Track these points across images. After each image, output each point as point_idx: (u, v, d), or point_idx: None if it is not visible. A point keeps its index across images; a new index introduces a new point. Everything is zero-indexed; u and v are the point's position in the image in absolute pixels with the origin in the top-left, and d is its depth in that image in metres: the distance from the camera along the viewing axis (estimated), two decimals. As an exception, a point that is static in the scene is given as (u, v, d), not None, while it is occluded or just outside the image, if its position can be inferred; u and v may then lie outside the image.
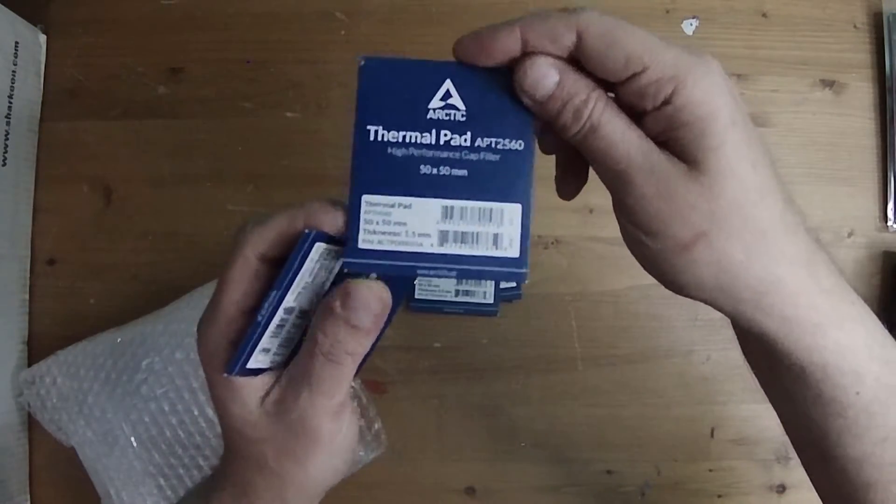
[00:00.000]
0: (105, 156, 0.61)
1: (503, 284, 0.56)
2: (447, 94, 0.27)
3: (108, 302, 0.60)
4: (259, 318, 0.27)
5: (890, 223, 0.59)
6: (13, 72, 0.57)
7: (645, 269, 0.28)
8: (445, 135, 0.27)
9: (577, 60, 0.26)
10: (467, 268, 0.27)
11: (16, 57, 0.58)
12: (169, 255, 0.60)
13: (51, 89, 0.62)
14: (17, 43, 0.58)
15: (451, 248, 0.27)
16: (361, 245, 0.27)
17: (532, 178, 0.27)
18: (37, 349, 0.59)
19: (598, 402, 0.58)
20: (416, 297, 0.56)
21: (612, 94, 0.26)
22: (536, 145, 0.28)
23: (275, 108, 0.61)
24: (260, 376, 0.29)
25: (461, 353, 0.58)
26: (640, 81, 0.24)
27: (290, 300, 0.28)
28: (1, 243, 0.57)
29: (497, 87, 0.27)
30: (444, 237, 0.27)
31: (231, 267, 0.28)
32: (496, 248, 0.27)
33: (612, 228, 0.60)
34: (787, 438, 0.33)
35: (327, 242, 0.27)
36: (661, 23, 0.61)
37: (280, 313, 0.28)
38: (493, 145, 0.27)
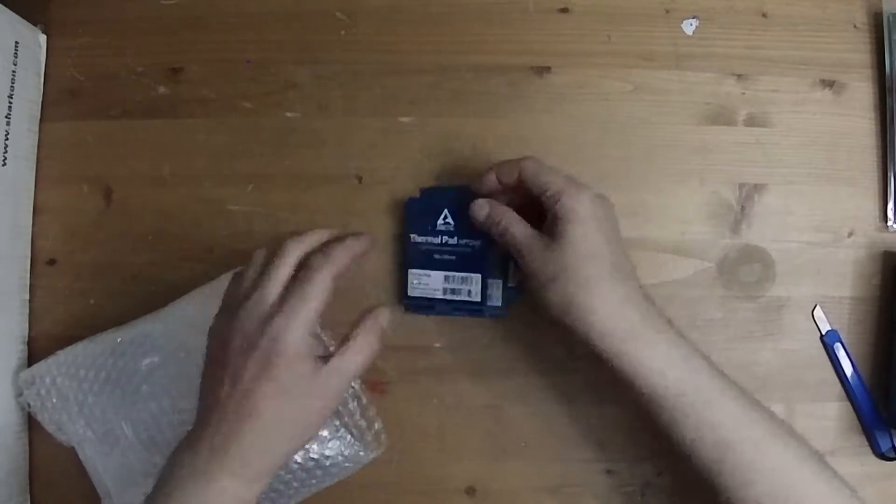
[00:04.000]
0: (105, 156, 0.61)
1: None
2: (445, 217, 0.55)
3: (108, 302, 0.60)
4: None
5: (890, 223, 0.59)
6: (13, 72, 0.57)
7: (533, 296, 0.47)
8: (444, 238, 0.55)
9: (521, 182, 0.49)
10: (459, 305, 0.56)
11: (16, 57, 0.58)
12: (169, 255, 0.60)
13: (51, 89, 0.62)
14: (17, 43, 0.58)
15: (450, 296, 0.55)
16: (410, 293, 0.56)
17: (487, 259, 0.55)
18: (37, 349, 0.59)
19: (598, 402, 0.58)
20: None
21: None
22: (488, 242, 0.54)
23: (275, 108, 0.61)
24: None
25: (461, 353, 0.59)
26: (547, 194, 0.47)
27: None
28: (1, 243, 0.57)
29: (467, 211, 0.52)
30: (445, 291, 0.55)
31: (316, 288, 0.42)
32: (469, 297, 0.55)
33: (611, 228, 0.59)
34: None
35: None
36: (661, 23, 0.61)
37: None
38: (468, 243, 0.55)
